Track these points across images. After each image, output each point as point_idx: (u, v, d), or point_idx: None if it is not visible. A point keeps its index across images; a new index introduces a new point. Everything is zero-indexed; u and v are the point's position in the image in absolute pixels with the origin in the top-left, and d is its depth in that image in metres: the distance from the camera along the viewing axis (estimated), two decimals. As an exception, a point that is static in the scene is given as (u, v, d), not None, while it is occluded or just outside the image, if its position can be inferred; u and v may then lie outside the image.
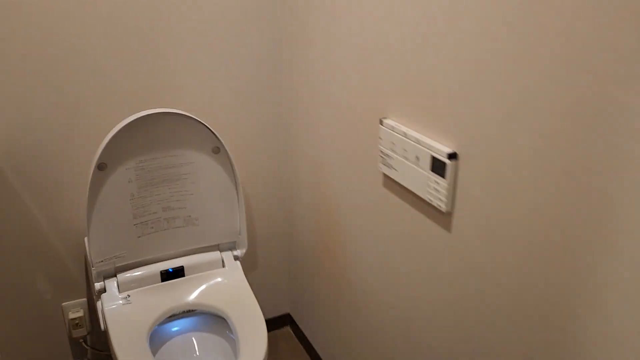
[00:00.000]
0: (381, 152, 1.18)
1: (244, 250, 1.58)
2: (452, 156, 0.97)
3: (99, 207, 1.36)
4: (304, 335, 1.92)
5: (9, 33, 1.30)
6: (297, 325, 1.97)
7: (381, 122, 1.16)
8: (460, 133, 0.95)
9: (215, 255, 1.54)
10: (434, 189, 1.03)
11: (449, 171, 0.98)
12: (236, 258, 1.57)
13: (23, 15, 1.30)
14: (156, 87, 1.50)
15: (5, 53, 1.31)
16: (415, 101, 1.06)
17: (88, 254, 1.40)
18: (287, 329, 2.04)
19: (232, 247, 1.59)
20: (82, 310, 1.63)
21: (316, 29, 1.41)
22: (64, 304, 1.62)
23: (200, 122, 1.37)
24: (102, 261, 1.42)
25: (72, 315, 1.62)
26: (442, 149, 0.99)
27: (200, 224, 1.51)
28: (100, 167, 1.32)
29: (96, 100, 1.44)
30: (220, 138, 1.42)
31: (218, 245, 1.57)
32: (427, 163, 1.03)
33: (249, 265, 1.88)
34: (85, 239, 1.53)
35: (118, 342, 1.29)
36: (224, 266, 1.54)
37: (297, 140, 1.65)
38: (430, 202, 1.05)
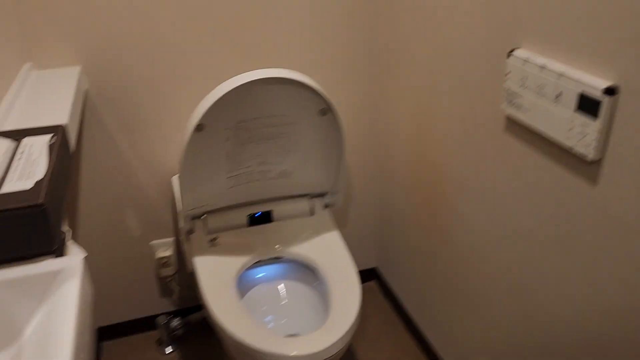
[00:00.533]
0: (507, 90, 1.01)
1: (337, 200, 1.48)
2: (610, 91, 0.79)
3: (194, 163, 1.28)
4: (390, 290, 1.82)
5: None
6: (383, 281, 1.87)
7: (510, 54, 0.99)
8: (624, 61, 0.77)
9: (305, 203, 1.45)
10: (579, 133, 0.85)
11: (603, 110, 0.80)
12: (326, 206, 1.47)
13: None
14: (261, 44, 1.39)
15: (96, -23, 1.24)
16: (559, 25, 0.88)
17: (178, 200, 1.35)
18: (373, 283, 1.94)
19: (323, 196, 1.49)
20: (169, 250, 1.61)
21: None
22: (152, 242, 1.60)
23: (308, 85, 1.23)
24: (192, 209, 1.36)
25: (160, 254, 1.61)
26: (594, 83, 0.81)
27: (294, 177, 1.41)
28: (199, 128, 1.23)
29: (199, 52, 1.36)
30: (329, 101, 1.28)
31: (308, 194, 1.47)
32: (572, 101, 0.85)
33: (335, 216, 1.78)
34: (174, 179, 1.48)
35: (206, 285, 1.24)
36: (312, 214, 1.45)
37: (396, 80, 1.50)
38: (571, 148, 0.88)
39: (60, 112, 1.01)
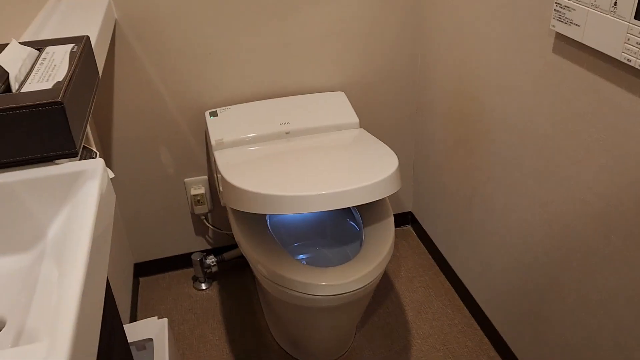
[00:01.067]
0: (557, 3, 0.93)
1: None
2: (676, -7, 0.71)
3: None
4: (426, 234, 1.78)
5: None
6: (419, 224, 1.83)
7: (562, -36, 0.90)
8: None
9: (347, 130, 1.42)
10: (637, 44, 0.77)
11: (666, 15, 0.72)
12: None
13: None
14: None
15: None
16: None
17: (210, 135, 1.33)
18: (409, 227, 1.91)
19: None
20: (203, 188, 1.61)
21: None
22: (186, 179, 1.60)
23: None
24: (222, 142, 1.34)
25: (194, 192, 1.61)
26: (659, -15, 0.73)
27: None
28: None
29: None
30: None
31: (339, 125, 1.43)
32: (630, 7, 0.77)
33: (371, 155, 1.73)
34: (206, 114, 1.46)
35: (238, 219, 1.23)
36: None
37: (435, 5, 1.41)
38: (628, 62, 0.80)
39: (87, 30, 0.99)
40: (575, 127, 0.96)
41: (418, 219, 1.84)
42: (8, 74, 0.65)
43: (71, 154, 0.62)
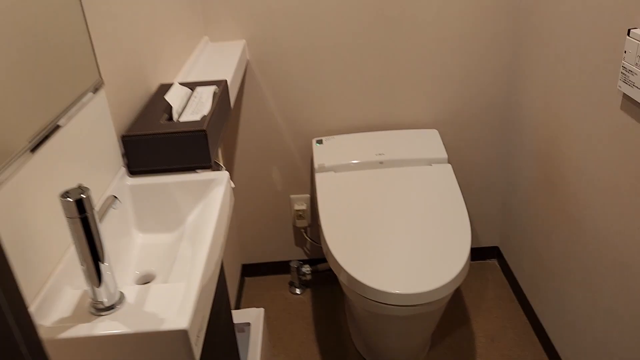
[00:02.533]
0: (624, 67, 1.04)
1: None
2: None
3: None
4: (509, 269, 1.86)
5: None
6: (505, 259, 1.91)
7: (629, 33, 1.01)
8: None
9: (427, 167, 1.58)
10: (683, 109, 0.87)
11: None
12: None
13: None
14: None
15: (263, -35, 1.49)
16: (677, 4, 0.90)
17: (315, 161, 1.57)
18: (494, 261, 2.00)
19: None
20: (305, 204, 1.85)
21: None
22: (291, 196, 1.85)
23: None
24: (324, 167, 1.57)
25: (297, 207, 1.85)
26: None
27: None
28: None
29: (346, 40, 1.55)
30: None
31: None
32: (679, 77, 0.88)
33: (462, 193, 1.87)
34: (314, 141, 1.71)
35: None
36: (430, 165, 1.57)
37: (526, 60, 1.54)
38: (675, 124, 0.90)
39: (225, 73, 1.28)
40: (637, 171, 1.05)
41: (504, 253, 1.92)
42: (172, 107, 0.92)
43: (207, 167, 0.88)
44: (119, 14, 0.92)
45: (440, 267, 1.27)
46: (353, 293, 1.32)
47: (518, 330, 1.68)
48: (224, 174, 0.86)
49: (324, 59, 1.62)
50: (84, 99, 0.75)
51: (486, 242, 1.98)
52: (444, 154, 1.61)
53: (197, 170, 0.87)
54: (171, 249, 0.82)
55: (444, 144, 1.78)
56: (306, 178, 1.83)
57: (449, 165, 1.59)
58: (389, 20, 1.57)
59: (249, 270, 2.00)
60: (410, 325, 1.35)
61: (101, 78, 0.81)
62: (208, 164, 0.86)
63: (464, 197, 1.88)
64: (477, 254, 1.99)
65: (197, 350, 0.59)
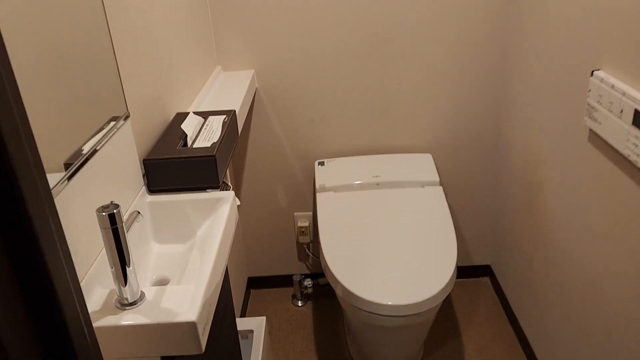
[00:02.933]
0: (588, 104, 1.16)
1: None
2: (656, 109, 0.93)
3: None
4: (500, 287, 1.97)
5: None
6: (496, 277, 2.02)
7: (592, 74, 1.14)
8: (668, 85, 0.91)
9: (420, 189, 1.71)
10: (633, 144, 1.00)
11: (650, 125, 0.95)
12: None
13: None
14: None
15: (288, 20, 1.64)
16: (627, 51, 1.02)
17: (317, 182, 1.70)
18: (486, 279, 2.10)
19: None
20: (307, 222, 1.98)
21: (545, -21, 1.40)
22: (295, 213, 1.98)
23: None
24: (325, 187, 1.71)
25: (300, 224, 1.98)
26: (646, 102, 0.95)
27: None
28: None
29: (346, 72, 1.70)
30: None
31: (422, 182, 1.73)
32: (630, 116, 1.00)
33: (456, 214, 1.99)
34: (316, 163, 1.84)
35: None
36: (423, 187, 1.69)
37: (509, 94, 1.67)
38: (627, 157, 1.02)
39: (234, 102, 1.42)
40: (600, 200, 1.17)
41: (495, 272, 2.03)
42: (186, 134, 1.06)
43: (215, 187, 1.01)
44: (144, 52, 1.06)
45: (428, 280, 1.39)
46: (348, 305, 1.43)
47: (506, 345, 1.78)
48: (230, 194, 0.99)
49: (326, 88, 1.76)
50: (114, 129, 0.89)
51: (479, 261, 2.09)
52: (436, 177, 1.73)
53: (207, 190, 1.01)
54: (183, 257, 0.96)
55: (437, 167, 1.90)
56: (309, 197, 1.96)
57: (441, 188, 1.71)
58: (387, 53, 1.71)
59: (255, 282, 2.12)
60: (401, 335, 1.46)
61: (127, 110, 0.96)
62: (217, 185, 1.00)
63: (457, 218, 2.00)
64: (471, 271, 2.10)
65: (203, 340, 0.72)
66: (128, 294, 0.73)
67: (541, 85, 1.46)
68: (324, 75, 1.75)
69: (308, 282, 2.01)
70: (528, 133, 1.57)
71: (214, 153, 0.98)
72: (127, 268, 0.72)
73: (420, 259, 1.46)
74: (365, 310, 1.38)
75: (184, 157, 0.98)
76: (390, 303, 1.34)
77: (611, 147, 1.10)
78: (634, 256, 1.05)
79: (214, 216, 0.98)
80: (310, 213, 1.98)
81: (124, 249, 0.71)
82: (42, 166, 0.40)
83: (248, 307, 2.03)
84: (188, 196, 0.99)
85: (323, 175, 1.77)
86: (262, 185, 1.94)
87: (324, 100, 1.79)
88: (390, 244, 1.52)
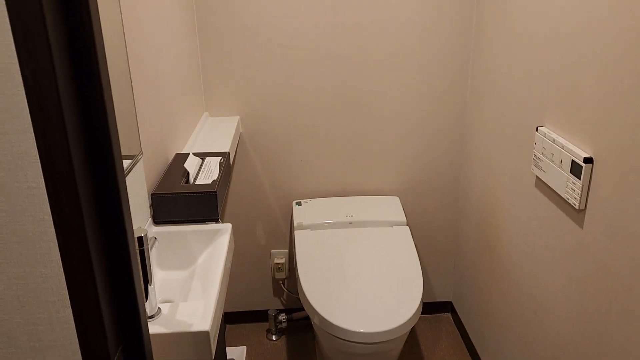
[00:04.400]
0: (534, 155, 1.36)
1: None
2: (588, 160, 1.13)
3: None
4: (461, 322, 2.12)
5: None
6: (457, 313, 2.17)
7: (537, 129, 1.34)
8: (597, 139, 1.11)
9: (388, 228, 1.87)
10: (571, 189, 1.19)
11: (584, 173, 1.14)
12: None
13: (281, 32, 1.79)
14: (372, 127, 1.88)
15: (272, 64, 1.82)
16: (565, 111, 1.23)
17: (294, 221, 1.83)
18: (448, 315, 2.25)
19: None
20: (284, 258, 2.10)
21: (498, 49, 1.62)
22: (272, 250, 2.10)
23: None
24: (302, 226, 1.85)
25: (276, 260, 2.10)
26: (580, 154, 1.15)
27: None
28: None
29: (324, 123, 1.88)
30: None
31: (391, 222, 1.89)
32: (568, 165, 1.19)
33: (420, 252, 2.15)
34: (293, 204, 1.98)
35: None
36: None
37: (469, 144, 1.88)
38: (567, 199, 1.21)
39: (224, 144, 1.56)
40: (545, 236, 1.35)
41: (456, 308, 2.19)
42: (189, 172, 1.20)
43: (215, 220, 1.14)
44: (153, 98, 1.20)
45: (397, 310, 1.53)
46: (324, 333, 1.55)
47: (467, 375, 1.92)
48: (228, 226, 1.12)
49: (304, 135, 1.93)
50: (132, 165, 1.02)
51: (441, 297, 2.24)
52: (403, 218, 1.90)
53: (207, 222, 1.14)
54: (185, 282, 1.07)
55: (403, 209, 2.07)
56: (286, 235, 2.09)
57: (407, 228, 1.88)
58: (358, 104, 1.90)
59: (231, 317, 2.20)
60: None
61: (141, 149, 1.09)
62: (216, 217, 1.13)
63: (420, 256, 2.16)
64: (433, 307, 2.25)
65: (214, 348, 0.83)
66: (148, 308, 0.84)
67: (496, 137, 1.66)
68: (303, 122, 1.92)
69: (282, 317, 2.11)
70: (485, 179, 1.77)
71: (215, 189, 1.12)
72: (149, 285, 0.84)
73: (390, 291, 1.60)
74: (340, 338, 1.50)
75: (189, 193, 1.11)
76: (362, 331, 1.47)
77: (554, 191, 1.30)
78: (574, 284, 1.22)
79: (213, 245, 1.10)
80: (287, 250, 2.11)
81: (147, 268, 0.83)
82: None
83: (225, 342, 2.11)
84: (190, 227, 1.12)
85: (300, 214, 1.92)
86: (242, 223, 2.06)
87: (301, 145, 1.95)
88: (362, 277, 1.66)
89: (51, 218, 0.46)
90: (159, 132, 1.24)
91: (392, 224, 1.90)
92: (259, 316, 2.21)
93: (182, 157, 1.30)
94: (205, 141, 1.62)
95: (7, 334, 0.50)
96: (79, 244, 0.46)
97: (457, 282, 2.15)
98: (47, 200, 0.46)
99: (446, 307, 2.26)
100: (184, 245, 1.11)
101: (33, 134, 0.44)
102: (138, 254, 0.81)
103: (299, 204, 1.97)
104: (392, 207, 1.96)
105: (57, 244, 0.47)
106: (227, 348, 1.65)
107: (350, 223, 1.89)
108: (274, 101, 1.88)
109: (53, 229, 0.46)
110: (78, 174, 0.45)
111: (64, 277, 0.47)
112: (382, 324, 1.49)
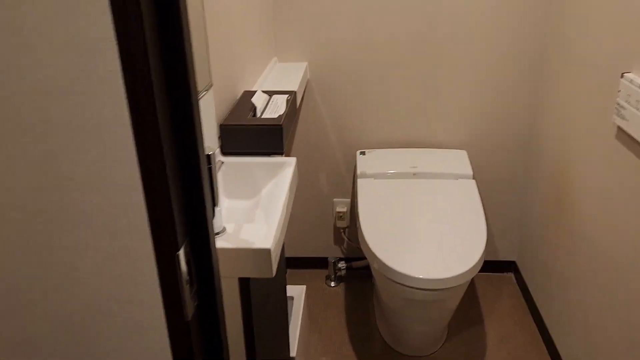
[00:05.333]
0: (618, 104, 1.28)
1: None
2: (678, 106, 1.04)
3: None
4: (524, 282, 2.07)
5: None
6: (520, 273, 2.12)
7: (622, 76, 1.25)
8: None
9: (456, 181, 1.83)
10: (656, 137, 1.11)
11: (672, 120, 1.06)
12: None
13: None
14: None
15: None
16: (657, 55, 1.14)
17: (356, 168, 1.84)
18: (511, 275, 2.20)
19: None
20: (345, 207, 2.12)
21: (584, -10, 1.51)
22: (334, 199, 2.12)
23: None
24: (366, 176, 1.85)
25: (338, 209, 2.12)
26: (670, 99, 1.06)
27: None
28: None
29: (393, 69, 1.84)
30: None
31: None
32: (655, 112, 1.11)
33: (486, 209, 2.10)
34: (357, 153, 1.98)
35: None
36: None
37: (544, 94, 1.78)
38: (650, 149, 1.13)
39: (292, 85, 1.57)
40: (628, 196, 1.28)
41: (520, 267, 2.13)
42: (256, 107, 1.22)
43: (280, 153, 1.16)
44: (225, 34, 1.22)
45: (458, 259, 1.51)
46: (383, 278, 1.56)
47: (527, 335, 1.88)
48: (293, 159, 1.14)
49: (372, 82, 1.90)
50: (202, 93, 1.05)
51: (504, 256, 2.19)
52: (469, 171, 1.85)
53: (272, 155, 1.16)
54: (249, 212, 1.10)
55: (471, 162, 2.02)
56: (348, 184, 2.10)
57: (473, 181, 1.83)
58: (431, 52, 1.85)
59: (291, 262, 2.26)
60: (429, 310, 1.58)
61: (211, 80, 1.11)
62: (281, 151, 1.15)
63: (486, 212, 2.11)
64: (496, 266, 2.20)
65: (274, 267, 0.86)
66: (215, 225, 0.88)
67: (574, 87, 1.57)
68: (372, 70, 1.89)
69: (342, 265, 2.14)
70: (560, 132, 1.68)
71: (281, 122, 1.13)
72: (215, 206, 0.87)
73: (452, 241, 1.58)
74: (399, 283, 1.51)
75: (256, 125, 1.13)
76: (421, 277, 1.47)
77: (637, 142, 1.21)
78: (651, 241, 1.16)
79: (278, 177, 1.13)
80: (349, 200, 2.12)
81: (214, 185, 0.86)
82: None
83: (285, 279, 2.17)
84: (256, 159, 1.14)
85: (364, 163, 1.91)
86: (305, 171, 2.08)
87: (369, 93, 1.93)
88: (424, 226, 1.64)
89: (127, 103, 0.48)
90: (229, 67, 1.26)
91: (457, 176, 1.86)
92: (319, 263, 2.25)
93: (250, 94, 1.32)
94: (273, 82, 1.64)
95: (83, 216, 0.53)
96: (151, 129, 0.48)
97: (523, 241, 2.09)
98: (123, 85, 0.47)
99: (509, 266, 2.21)
100: (249, 176, 1.14)
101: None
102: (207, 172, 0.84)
103: (363, 153, 1.97)
104: (458, 160, 1.91)
105: (131, 128, 0.49)
106: (288, 286, 1.70)
107: (415, 174, 1.86)
108: (344, 48, 1.86)
109: (128, 114, 0.48)
110: (154, 72, 0.47)
111: (137, 163, 0.50)
112: (442, 271, 1.47)
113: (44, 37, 0.46)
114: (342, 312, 2.02)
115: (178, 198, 0.52)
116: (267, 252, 0.83)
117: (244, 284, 0.88)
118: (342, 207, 2.13)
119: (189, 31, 0.50)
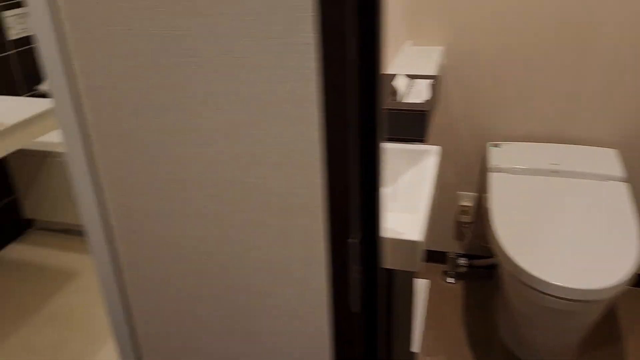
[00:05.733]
0: None
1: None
2: None
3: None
4: (673, 301, 1.83)
5: None
6: (669, 290, 1.88)
7: None
8: None
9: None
10: None
11: None
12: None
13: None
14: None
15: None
16: None
17: (488, 161, 1.72)
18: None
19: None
20: (471, 202, 2.00)
21: None
22: (459, 192, 2.02)
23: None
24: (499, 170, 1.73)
25: (462, 203, 2.01)
26: None
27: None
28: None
29: (536, 63, 1.69)
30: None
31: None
32: None
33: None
34: (488, 144, 1.85)
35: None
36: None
37: None
38: None
39: (429, 70, 1.50)
40: None
41: (668, 285, 1.89)
42: (397, 90, 1.16)
43: (421, 140, 1.10)
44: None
45: (603, 271, 1.36)
46: (516, 282, 1.45)
47: (673, 360, 1.67)
48: (437, 147, 1.07)
49: (512, 69, 1.77)
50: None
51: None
52: (621, 173, 1.66)
53: (413, 142, 1.10)
54: (387, 199, 1.06)
55: (625, 164, 1.81)
56: (475, 178, 1.98)
57: (626, 184, 1.64)
58: (583, 41, 1.67)
59: (407, 254, 2.20)
60: (564, 321, 1.45)
61: (356, 62, 1.08)
62: (423, 138, 1.08)
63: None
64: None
65: (420, 257, 0.81)
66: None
67: None
68: (513, 56, 1.75)
69: (462, 262, 2.04)
70: None
71: (427, 109, 1.07)
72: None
73: (598, 249, 1.43)
74: (534, 289, 1.39)
75: (399, 109, 1.08)
76: (562, 285, 1.34)
77: None
78: None
79: (418, 166, 1.07)
80: (476, 194, 2.01)
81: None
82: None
83: (400, 275, 2.12)
84: (395, 145, 1.09)
85: (497, 156, 1.79)
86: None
87: (507, 82, 1.79)
88: (565, 229, 1.50)
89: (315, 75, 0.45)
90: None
91: (606, 178, 1.67)
92: (436, 256, 2.16)
93: (387, 77, 1.26)
94: (408, 66, 1.57)
95: (264, 196, 0.51)
96: (340, 110, 0.45)
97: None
98: (314, 58, 0.44)
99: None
100: (389, 162, 1.09)
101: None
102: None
103: (496, 145, 1.84)
104: (608, 160, 1.72)
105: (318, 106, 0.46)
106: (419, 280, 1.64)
107: (556, 172, 1.71)
108: (484, 33, 1.74)
109: (316, 90, 0.45)
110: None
111: (318, 141, 0.47)
112: (585, 282, 1.33)
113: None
114: (460, 310, 1.92)
115: (355, 183, 0.49)
116: (417, 244, 0.78)
117: (388, 275, 0.84)
118: (467, 200, 2.02)
119: (384, 21, 0.45)
